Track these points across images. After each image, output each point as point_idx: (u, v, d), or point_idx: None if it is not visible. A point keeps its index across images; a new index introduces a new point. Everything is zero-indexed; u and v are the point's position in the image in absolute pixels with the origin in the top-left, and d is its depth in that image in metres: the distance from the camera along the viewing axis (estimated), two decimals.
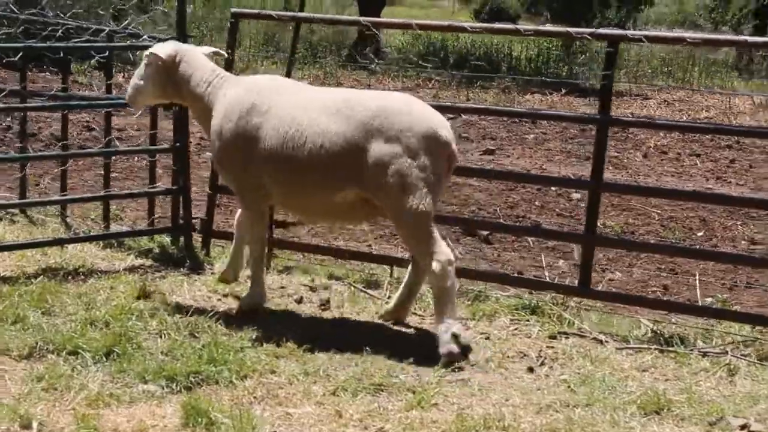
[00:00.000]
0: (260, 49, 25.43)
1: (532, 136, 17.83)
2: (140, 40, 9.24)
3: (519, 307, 8.23)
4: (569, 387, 6.86)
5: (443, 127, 7.31)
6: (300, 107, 7.44)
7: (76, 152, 11.40)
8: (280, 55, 21.63)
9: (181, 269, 8.96)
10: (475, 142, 17.16)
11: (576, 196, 13.22)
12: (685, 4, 44.26)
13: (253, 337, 7.37)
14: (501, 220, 11.74)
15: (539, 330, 7.87)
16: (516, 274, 9.34)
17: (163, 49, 7.93)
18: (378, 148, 7.17)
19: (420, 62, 23.47)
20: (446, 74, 23.95)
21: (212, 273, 8.82)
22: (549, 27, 23.82)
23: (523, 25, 9.38)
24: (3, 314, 7.38)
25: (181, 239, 9.44)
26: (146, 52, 7.96)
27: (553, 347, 7.59)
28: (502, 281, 8.67)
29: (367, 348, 7.26)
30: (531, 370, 7.16)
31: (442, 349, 7.15)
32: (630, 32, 9.18)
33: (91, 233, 9.49)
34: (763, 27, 35.62)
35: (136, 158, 13.51)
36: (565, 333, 7.85)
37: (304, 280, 8.86)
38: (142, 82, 8.02)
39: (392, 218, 7.46)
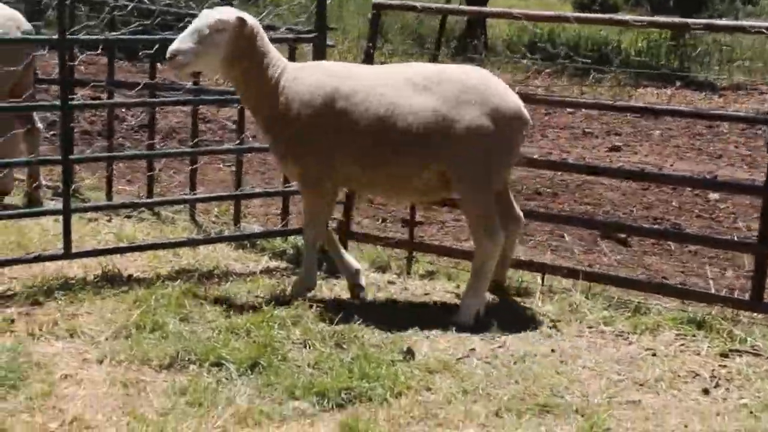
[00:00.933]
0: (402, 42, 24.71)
1: (657, 132, 17.12)
2: (278, 32, 8.80)
3: (684, 320, 7.66)
4: (751, 413, 6.29)
5: (523, 105, 7.51)
6: (387, 86, 7.33)
7: (211, 149, 10.97)
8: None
9: (318, 272, 8.51)
10: (599, 137, 16.54)
11: (714, 196, 12.58)
12: None
13: (404, 348, 6.86)
14: (645, 225, 11.12)
15: (708, 347, 7.27)
16: (679, 285, 8.72)
17: (248, 18, 7.35)
18: (468, 122, 7.26)
19: (528, 54, 22.85)
20: (556, 66, 23.30)
21: None
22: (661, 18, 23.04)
23: (632, 16, 8.82)
24: (141, 321, 7.03)
25: None
26: (219, 16, 7.24)
27: (726, 366, 7.00)
28: (661, 291, 8.09)
29: (527, 363, 6.76)
30: (706, 392, 6.60)
31: (459, 318, 7.46)
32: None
33: (224, 233, 9.05)
34: None
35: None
36: (737, 351, 7.24)
37: (449, 286, 8.39)
38: (204, 48, 7.18)
39: (464, 191, 7.48)
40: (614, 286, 8.14)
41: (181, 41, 7.13)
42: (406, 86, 7.32)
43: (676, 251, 10.37)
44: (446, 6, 8.52)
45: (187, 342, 6.73)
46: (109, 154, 9.19)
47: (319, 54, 8.60)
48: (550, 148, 15.40)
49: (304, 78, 7.43)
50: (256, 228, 9.50)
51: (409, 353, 6.86)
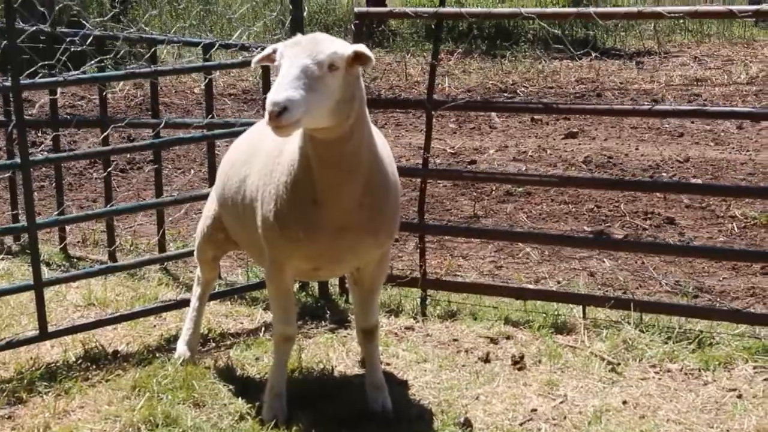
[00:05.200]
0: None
1: None
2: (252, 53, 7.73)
3: (759, 350, 6.79)
4: None
5: None
6: None
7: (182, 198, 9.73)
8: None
9: (323, 323, 7.53)
10: (550, 124, 15.65)
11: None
12: None
13: (460, 420, 5.90)
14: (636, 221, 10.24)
15: None
16: (745, 309, 7.65)
17: (367, 51, 5.29)
18: None
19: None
20: (467, 45, 22.47)
21: None
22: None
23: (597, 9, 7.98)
24: (151, 413, 5.93)
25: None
26: (334, 48, 5.19)
27: None
28: (733, 319, 7.17)
29: (603, 424, 5.88)
30: None
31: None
32: None
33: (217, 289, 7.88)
34: None
35: None
36: None
37: (478, 328, 7.39)
38: (318, 96, 5.08)
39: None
40: (676, 315, 7.21)
41: (290, 88, 4.98)
42: None
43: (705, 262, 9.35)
44: (443, 9, 7.35)
45: None
46: (78, 214, 7.94)
47: None
48: (503, 140, 14.48)
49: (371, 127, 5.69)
50: (241, 279, 8.40)
51: (467, 424, 5.90)
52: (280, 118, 4.91)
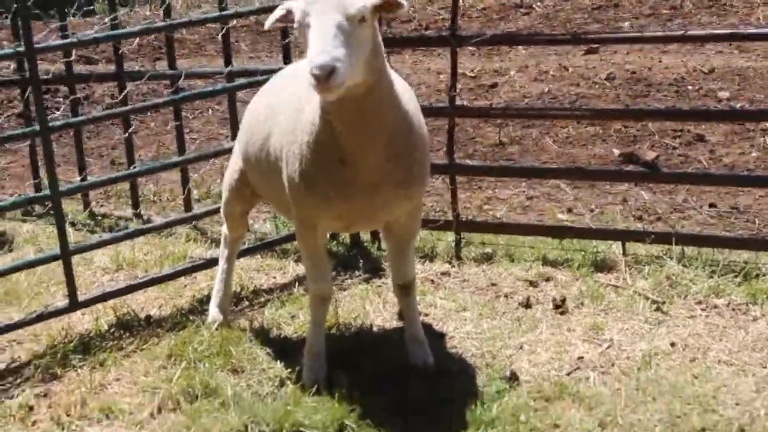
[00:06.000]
0: None
1: (626, 23, 15.92)
2: None
3: None
4: None
5: None
6: None
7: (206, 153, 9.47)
8: None
9: (357, 273, 7.37)
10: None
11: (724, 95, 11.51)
12: None
13: (507, 373, 5.74)
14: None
15: None
16: None
17: None
18: None
19: None
20: None
21: None
22: None
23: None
24: (189, 384, 5.77)
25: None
26: (360, 3, 4.82)
27: None
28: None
29: (653, 369, 5.72)
30: None
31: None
32: None
33: (248, 245, 7.69)
34: None
35: None
36: None
37: (516, 270, 7.22)
38: (360, 52, 4.86)
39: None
40: (721, 247, 7.01)
41: (333, 47, 4.66)
42: None
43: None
44: None
45: (253, 408, 5.50)
46: (101, 178, 7.69)
47: None
48: (523, 59, 14.18)
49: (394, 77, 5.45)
50: (269, 229, 8.23)
51: (514, 378, 5.74)
52: (329, 80, 4.60)
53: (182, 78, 7.68)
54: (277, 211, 7.13)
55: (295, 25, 4.94)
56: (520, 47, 14.58)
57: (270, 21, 5.20)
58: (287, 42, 7.62)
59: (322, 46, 4.64)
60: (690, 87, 11.95)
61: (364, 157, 5.22)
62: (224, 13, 7.37)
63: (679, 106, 11.05)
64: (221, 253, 6.81)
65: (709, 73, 12.44)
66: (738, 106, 10.81)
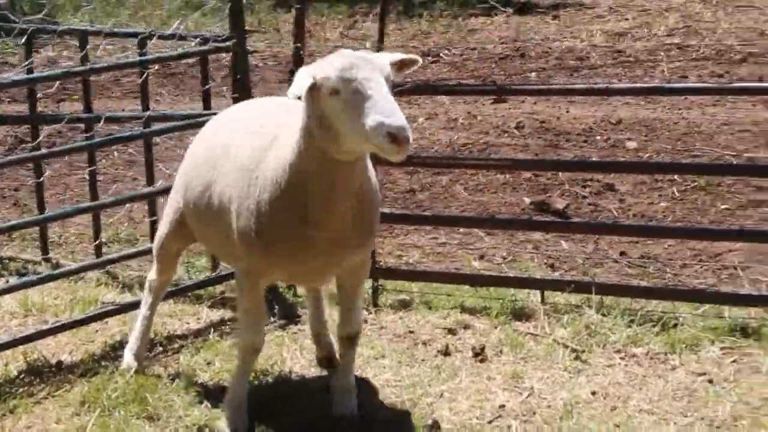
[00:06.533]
0: None
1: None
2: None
3: (725, 330, 6.65)
4: None
5: None
6: None
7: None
8: None
9: (272, 319, 7.28)
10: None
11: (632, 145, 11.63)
12: None
13: (428, 422, 5.69)
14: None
15: None
16: (709, 287, 7.49)
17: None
18: None
19: None
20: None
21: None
22: None
23: None
24: (104, 431, 5.68)
25: None
26: (387, 64, 4.94)
27: None
28: (699, 299, 7.03)
29: (575, 418, 5.73)
30: None
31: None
32: None
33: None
34: None
35: None
36: None
37: (434, 318, 7.18)
38: None
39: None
40: (639, 297, 7.04)
41: (399, 112, 4.67)
42: None
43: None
44: None
45: None
46: (10, 223, 7.52)
47: (241, 63, 7.25)
48: (431, 107, 14.19)
49: None
50: (181, 274, 8.07)
51: (436, 426, 5.71)
52: (408, 143, 4.62)
53: (102, 122, 7.51)
54: (218, 257, 7.09)
55: (330, 92, 4.79)
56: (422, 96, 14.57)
57: (298, 91, 4.87)
58: (207, 88, 7.53)
59: (394, 108, 4.65)
60: (598, 137, 12.04)
61: (330, 216, 5.15)
62: (145, 57, 7.26)
63: (589, 155, 11.13)
64: (145, 299, 6.63)
65: (617, 123, 12.54)
66: (646, 156, 10.93)
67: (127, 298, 7.46)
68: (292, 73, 7.06)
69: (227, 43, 7.28)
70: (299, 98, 4.89)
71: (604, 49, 17.10)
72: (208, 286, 7.64)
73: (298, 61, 7.33)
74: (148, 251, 7.30)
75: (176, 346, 6.93)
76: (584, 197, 10.19)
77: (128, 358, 6.52)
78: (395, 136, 4.55)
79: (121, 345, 6.71)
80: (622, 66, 15.60)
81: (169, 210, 6.34)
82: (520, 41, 18.24)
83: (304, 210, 5.11)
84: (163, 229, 6.41)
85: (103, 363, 6.57)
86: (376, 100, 4.66)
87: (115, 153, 12.19)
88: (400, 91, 7.28)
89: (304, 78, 4.83)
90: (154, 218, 7.72)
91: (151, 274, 6.60)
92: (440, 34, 19.43)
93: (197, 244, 6.81)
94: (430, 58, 17.08)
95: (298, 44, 7.37)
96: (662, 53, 16.38)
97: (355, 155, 4.96)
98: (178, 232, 6.29)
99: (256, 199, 5.24)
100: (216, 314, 7.32)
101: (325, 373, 6.43)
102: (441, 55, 17.30)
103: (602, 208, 9.87)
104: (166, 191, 6.82)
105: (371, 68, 4.78)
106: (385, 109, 4.62)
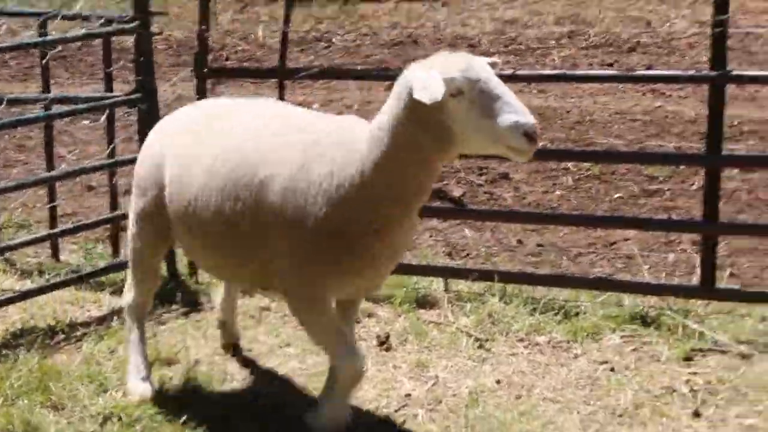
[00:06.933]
0: None
1: None
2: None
3: (626, 319, 6.77)
4: None
5: None
6: None
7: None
8: None
9: (174, 306, 7.22)
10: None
11: None
12: None
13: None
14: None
15: (669, 350, 6.39)
16: (609, 276, 7.64)
17: None
18: None
19: None
20: None
21: (212, 308, 6.98)
22: None
23: None
24: (8, 421, 5.55)
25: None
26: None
27: (696, 373, 6.15)
28: (600, 287, 7.14)
29: (481, 407, 5.78)
30: (697, 414, 5.71)
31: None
32: None
33: (62, 277, 7.46)
34: None
35: None
36: (700, 350, 6.41)
37: None
38: None
39: None
40: (541, 285, 7.13)
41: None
42: None
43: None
44: None
45: None
46: None
47: (145, 45, 7.17)
48: (326, 94, 14.16)
49: None
50: (79, 260, 7.98)
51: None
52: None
53: (3, 104, 7.33)
54: (217, 277, 6.32)
55: (451, 93, 4.57)
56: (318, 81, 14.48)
57: (437, 95, 4.50)
58: (110, 70, 7.44)
59: (524, 107, 4.54)
60: None
61: (400, 224, 4.99)
62: (47, 38, 7.15)
63: None
64: (128, 325, 6.16)
65: None
66: (540, 145, 11.01)
67: (27, 285, 7.33)
68: (198, 57, 7.08)
69: (132, 24, 7.18)
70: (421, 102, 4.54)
71: (495, 36, 17.23)
72: (110, 273, 7.53)
73: (203, 42, 7.28)
74: (46, 238, 7.23)
75: (78, 333, 6.84)
76: (480, 185, 10.27)
77: (138, 387, 5.94)
78: (531, 136, 4.49)
79: (22, 333, 6.62)
80: (513, 54, 15.71)
81: (143, 222, 5.83)
82: (412, 28, 18.28)
83: (376, 220, 4.91)
84: (138, 242, 5.92)
85: (4, 351, 6.45)
86: (507, 99, 4.52)
87: (6, 137, 11.97)
88: (308, 75, 7.28)
89: (437, 80, 4.52)
90: (54, 204, 7.62)
91: (128, 298, 6.13)
92: (331, 19, 19.35)
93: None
94: (322, 42, 17.05)
95: (204, 26, 7.31)
96: (553, 41, 16.56)
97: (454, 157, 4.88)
98: (160, 244, 5.94)
99: (314, 216, 4.93)
100: (118, 301, 7.21)
101: (229, 361, 6.41)
102: (333, 40, 17.27)
103: (497, 197, 9.96)
104: (67, 176, 6.73)
105: (487, 68, 4.65)
106: (518, 108, 4.51)
